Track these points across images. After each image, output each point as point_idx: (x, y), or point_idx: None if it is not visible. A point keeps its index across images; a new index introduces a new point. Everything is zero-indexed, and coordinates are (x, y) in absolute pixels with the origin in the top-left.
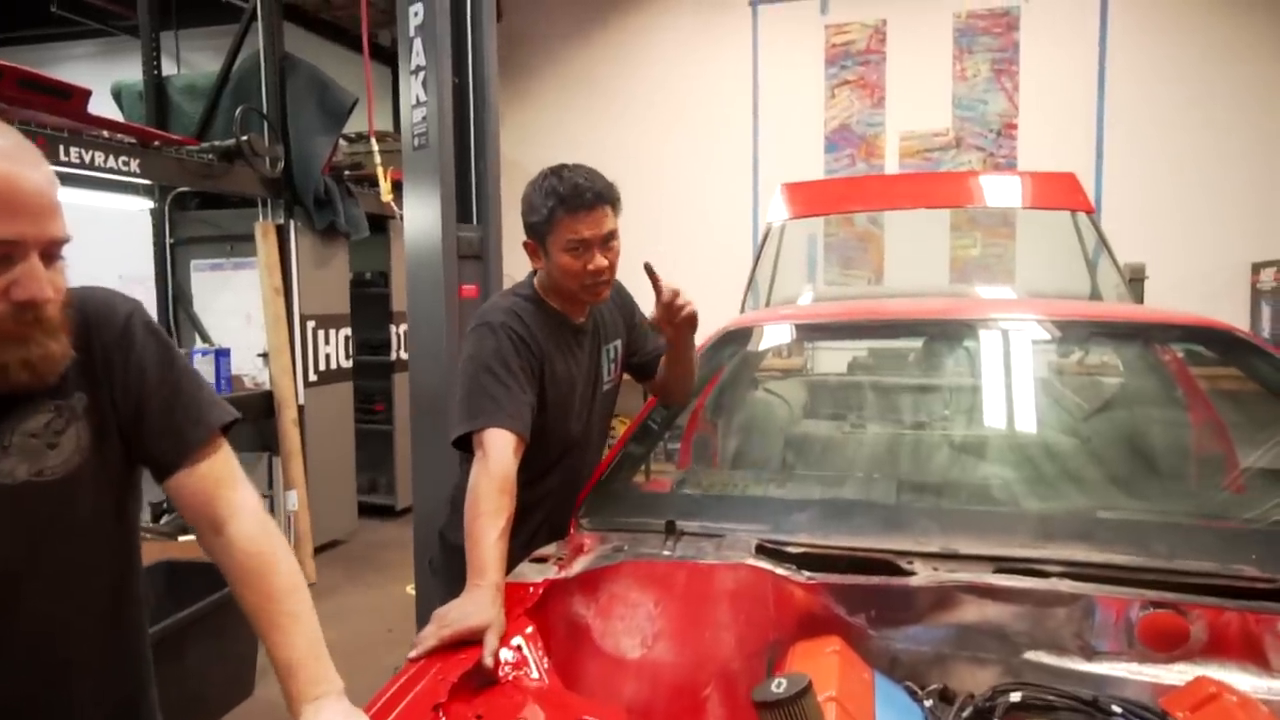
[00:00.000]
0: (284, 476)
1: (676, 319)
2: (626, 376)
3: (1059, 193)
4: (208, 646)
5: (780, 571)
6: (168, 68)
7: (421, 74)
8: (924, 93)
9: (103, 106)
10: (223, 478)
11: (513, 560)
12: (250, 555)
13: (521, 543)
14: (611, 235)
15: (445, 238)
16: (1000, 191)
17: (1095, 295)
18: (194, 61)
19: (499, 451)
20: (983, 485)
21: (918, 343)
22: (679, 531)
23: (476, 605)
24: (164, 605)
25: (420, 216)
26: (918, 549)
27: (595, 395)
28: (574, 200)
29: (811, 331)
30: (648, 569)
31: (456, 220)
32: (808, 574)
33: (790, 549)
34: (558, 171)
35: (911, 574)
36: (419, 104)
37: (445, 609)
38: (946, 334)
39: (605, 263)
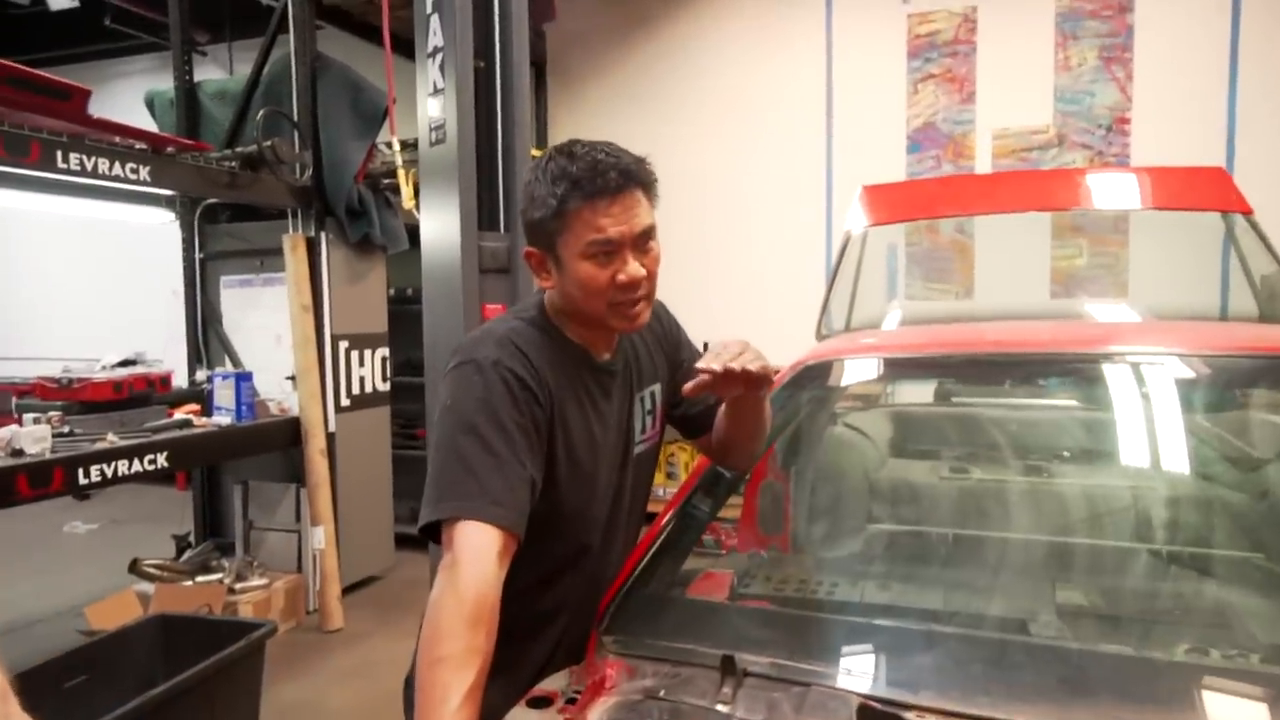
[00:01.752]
0: (311, 511)
1: (732, 386)
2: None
3: (1208, 191)
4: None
5: None
6: (219, 78)
7: (439, 56)
8: (1020, 86)
9: (139, 117)
10: None
11: (507, 705)
12: None
13: (530, 675)
14: (648, 233)
15: (465, 248)
16: (1132, 191)
17: (1264, 314)
18: (247, 73)
19: (475, 557)
20: (1213, 609)
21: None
22: (741, 671)
23: None
24: (154, 668)
25: (438, 223)
26: None
27: (626, 462)
28: (593, 183)
29: (919, 368)
30: None
31: (479, 228)
32: None
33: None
34: (567, 149)
35: None
36: (436, 92)
37: None
38: (1089, 375)
39: (642, 272)
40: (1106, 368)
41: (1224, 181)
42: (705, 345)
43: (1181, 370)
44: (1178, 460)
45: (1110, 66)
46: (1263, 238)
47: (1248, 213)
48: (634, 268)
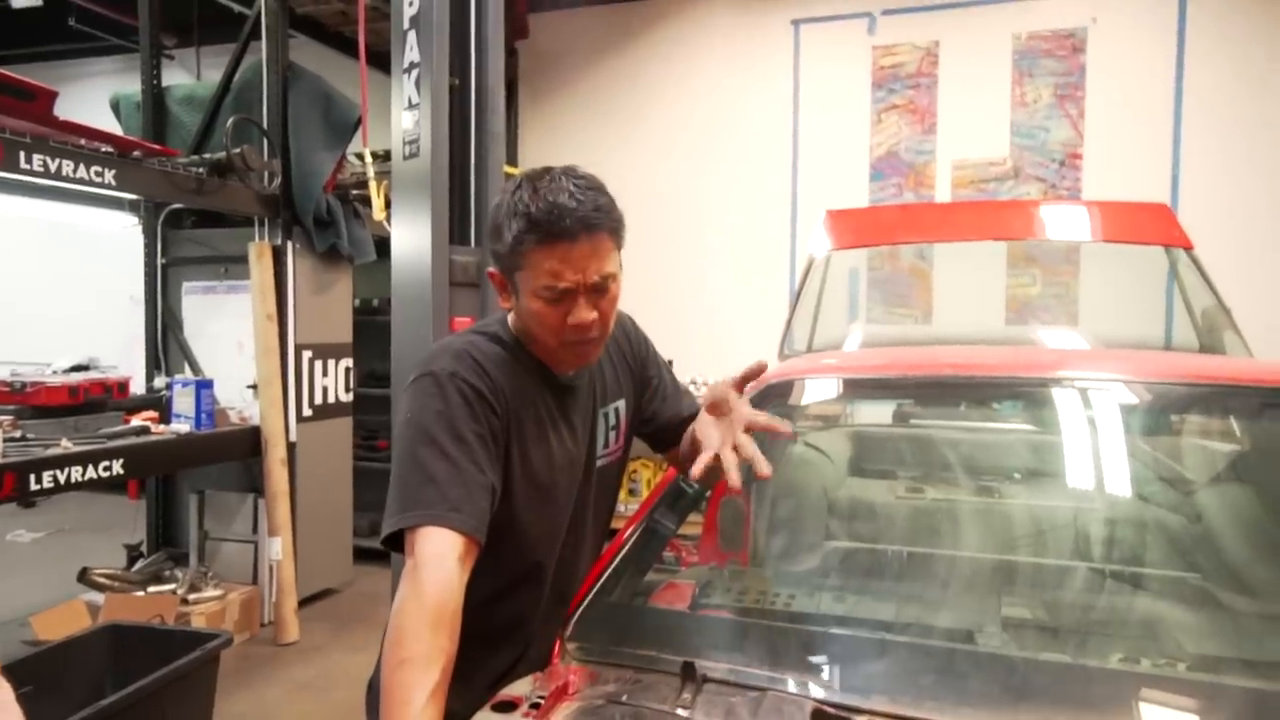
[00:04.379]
0: (269, 521)
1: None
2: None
3: (1151, 226)
4: None
5: None
6: (186, 82)
7: (415, 72)
8: (979, 119)
9: (103, 119)
10: None
11: (465, 713)
12: None
13: (486, 685)
14: (606, 280)
15: (436, 261)
16: (1082, 224)
17: (1204, 345)
18: (215, 78)
19: (437, 561)
20: (1146, 621)
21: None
22: (700, 677)
23: None
24: (104, 679)
25: (409, 236)
26: None
27: (589, 477)
28: (551, 226)
29: (878, 388)
30: None
31: (451, 241)
32: None
33: None
34: (534, 181)
35: None
36: (411, 106)
37: None
38: (1040, 399)
39: (592, 316)
40: (1056, 392)
41: (1166, 217)
42: (671, 363)
43: (1126, 396)
44: (1120, 483)
45: (1064, 104)
46: (1202, 272)
47: (1188, 248)
48: (583, 313)
